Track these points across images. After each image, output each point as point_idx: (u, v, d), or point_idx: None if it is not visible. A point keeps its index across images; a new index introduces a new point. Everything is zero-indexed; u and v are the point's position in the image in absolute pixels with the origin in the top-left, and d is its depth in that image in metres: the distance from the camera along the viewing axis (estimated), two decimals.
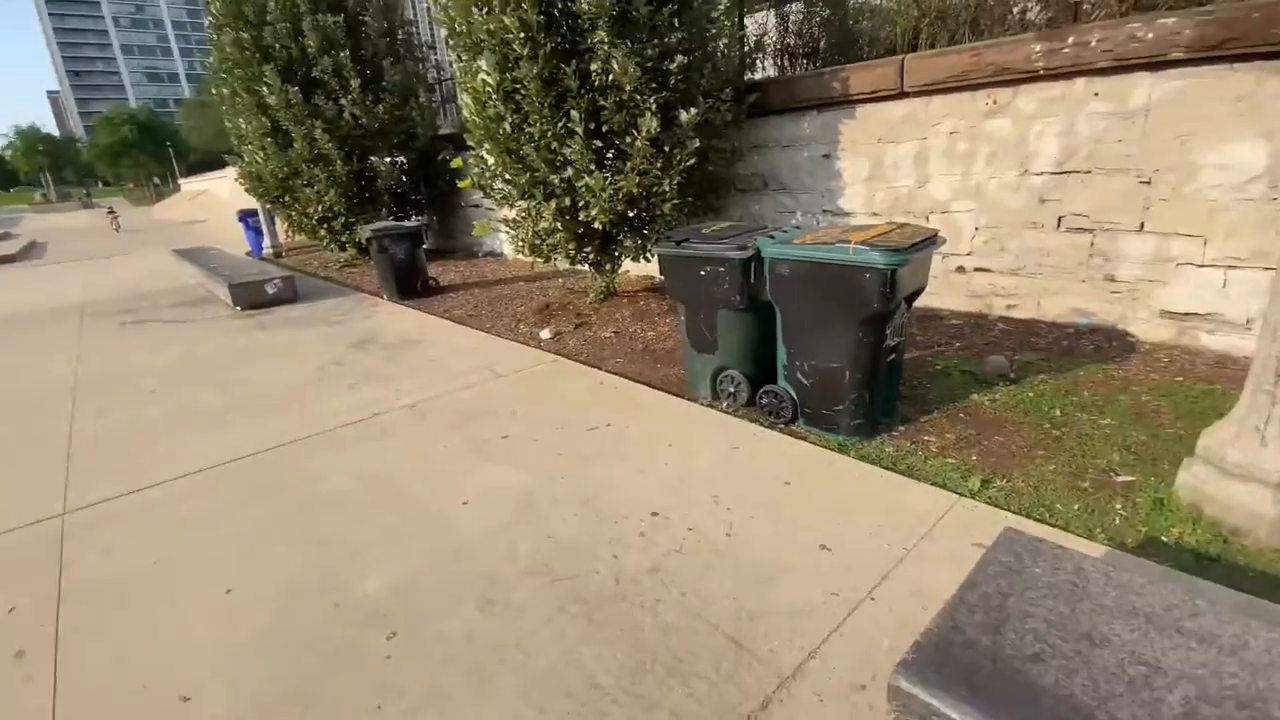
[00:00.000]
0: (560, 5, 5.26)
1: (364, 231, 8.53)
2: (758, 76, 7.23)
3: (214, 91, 11.25)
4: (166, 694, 2.12)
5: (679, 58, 5.15)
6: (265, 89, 9.79)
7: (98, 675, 2.23)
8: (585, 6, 4.96)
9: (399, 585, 2.57)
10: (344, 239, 11.28)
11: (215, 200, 32.47)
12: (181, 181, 50.12)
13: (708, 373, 4.20)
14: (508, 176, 6.20)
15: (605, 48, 5.01)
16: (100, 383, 5.62)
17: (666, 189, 5.50)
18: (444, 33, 6.04)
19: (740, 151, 6.57)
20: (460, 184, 8.67)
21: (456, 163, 8.86)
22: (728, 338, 4.03)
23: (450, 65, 10.13)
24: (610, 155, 5.68)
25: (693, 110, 5.25)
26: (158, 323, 8.11)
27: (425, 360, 5.63)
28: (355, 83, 10.01)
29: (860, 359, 3.38)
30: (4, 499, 3.56)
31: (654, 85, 5.22)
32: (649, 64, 5.11)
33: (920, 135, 5.40)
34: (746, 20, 6.92)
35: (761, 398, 3.90)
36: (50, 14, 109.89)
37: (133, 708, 2.08)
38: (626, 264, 7.03)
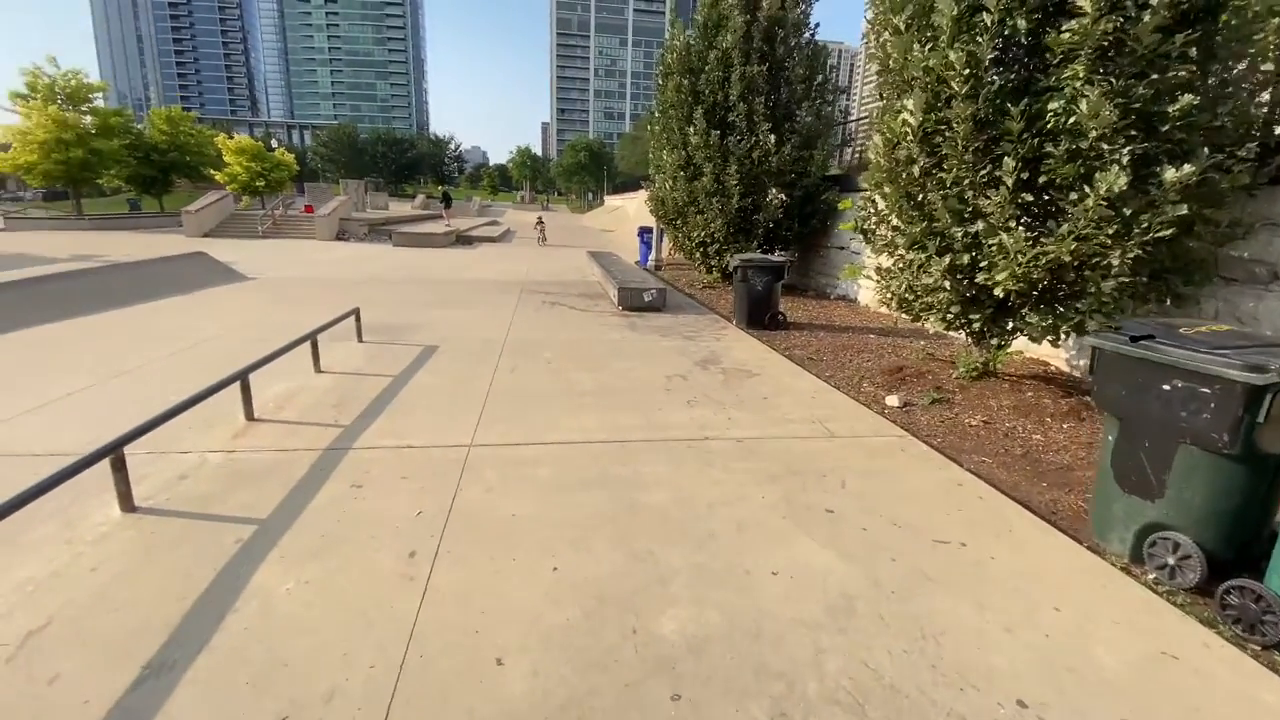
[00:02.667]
0: (1023, 38, 4.50)
1: (733, 260, 9.00)
2: None
3: (648, 128, 13.48)
4: (486, 649, 2.35)
5: (1185, 96, 3.87)
6: (691, 129, 11.22)
7: (449, 604, 2.62)
8: (1064, 37, 4.09)
9: (693, 641, 2.40)
10: (713, 263, 12.25)
11: (624, 215, 39.45)
12: (606, 198, 63.05)
13: (1134, 523, 3.01)
14: (898, 223, 5.67)
15: (1076, 84, 4.07)
16: (518, 346, 7.12)
17: (1114, 263, 4.23)
18: (872, 69, 5.83)
19: (1246, 227, 4.70)
20: (842, 225, 8.43)
21: (845, 204, 8.66)
22: (1184, 487, 2.80)
23: (855, 109, 9.98)
24: (1037, 212, 4.66)
25: (1186, 168, 3.90)
26: (564, 307, 10.02)
27: (759, 395, 5.54)
28: (766, 126, 10.70)
29: None
30: (445, 422, 4.67)
31: (1132, 132, 4.04)
32: (1134, 105, 3.96)
33: None
34: None
35: (1228, 593, 2.60)
36: (558, 65, 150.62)
37: (462, 647, 2.36)
38: (1019, 342, 5.76)
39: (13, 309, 7.56)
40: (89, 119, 27.51)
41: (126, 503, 3.23)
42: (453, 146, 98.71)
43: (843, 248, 11.10)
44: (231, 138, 32.22)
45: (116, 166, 29.37)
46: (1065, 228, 4.32)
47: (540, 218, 27.92)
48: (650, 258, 16.50)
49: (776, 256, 8.88)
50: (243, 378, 4.43)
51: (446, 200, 35.49)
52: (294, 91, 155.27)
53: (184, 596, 2.57)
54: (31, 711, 1.99)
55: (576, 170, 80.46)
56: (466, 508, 3.40)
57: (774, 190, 10.72)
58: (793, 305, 10.35)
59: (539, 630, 2.45)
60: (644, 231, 17.03)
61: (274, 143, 36.04)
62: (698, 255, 12.65)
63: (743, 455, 4.20)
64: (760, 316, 8.63)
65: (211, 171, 32.61)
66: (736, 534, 3.20)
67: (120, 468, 3.19)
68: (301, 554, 2.91)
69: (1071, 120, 4.17)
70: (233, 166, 31.08)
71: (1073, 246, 4.29)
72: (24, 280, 8.68)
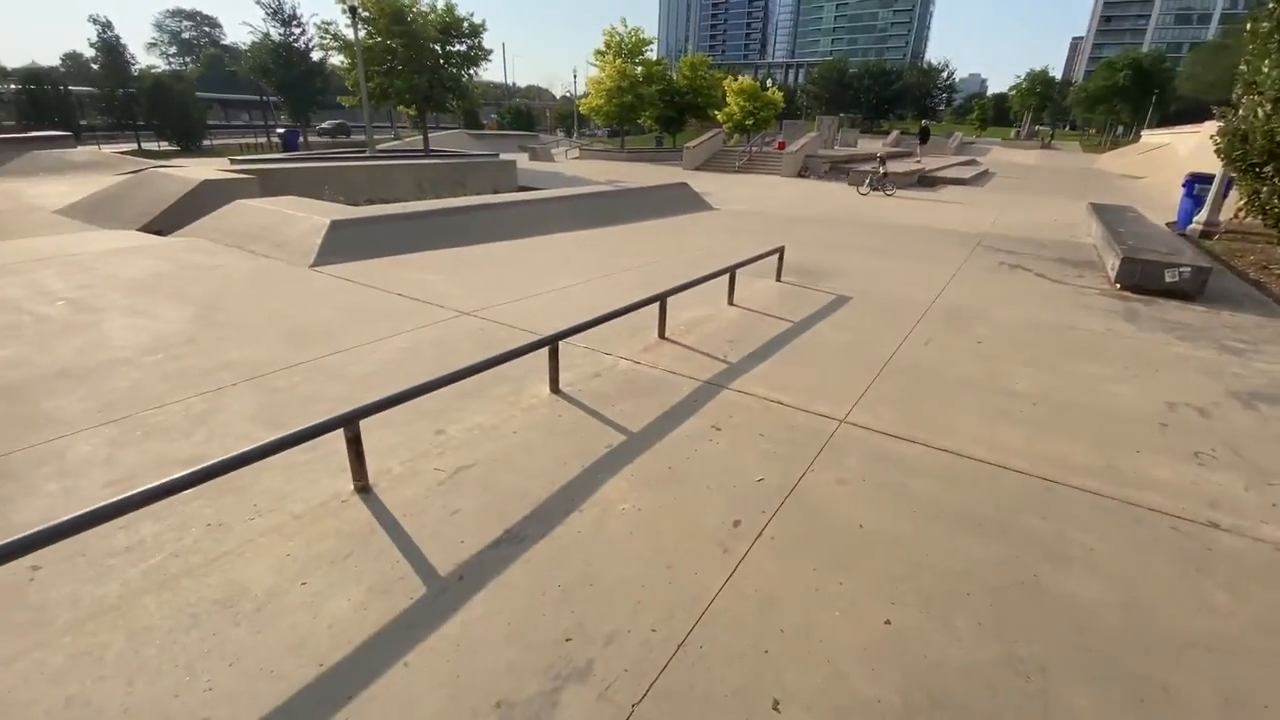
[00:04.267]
0: None
1: None
2: None
3: (1249, 28, 8.85)
4: (768, 683, 1.95)
5: None
6: None
7: (750, 602, 2.29)
8: None
9: None
10: None
11: (1168, 158, 28.82)
12: (1144, 133, 46.88)
13: None
14: None
15: None
16: (946, 314, 5.93)
17: None
18: None
19: None
20: None
21: None
22: None
23: None
24: None
25: None
26: (1028, 273, 7.91)
27: None
28: None
29: None
30: (823, 385, 4.22)
31: None
32: None
33: None
34: None
35: None
36: None
37: (744, 662, 2.02)
38: None
39: (551, 218, 10.31)
40: (640, 69, 35.01)
41: (555, 385, 3.95)
42: (944, 75, 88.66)
43: None
44: (736, 80, 36.29)
45: (650, 109, 36.89)
46: None
47: (881, 155, 19.75)
48: (1195, 219, 11.57)
49: None
50: (662, 299, 4.87)
51: (924, 135, 32.44)
52: (799, 30, 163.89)
53: (553, 481, 2.97)
54: (433, 530, 2.60)
55: (1105, 97, 61.86)
56: (810, 494, 2.95)
57: None
58: None
59: (837, 696, 1.91)
60: (1195, 181, 11.94)
61: (769, 82, 39.06)
62: None
63: (1275, 577, 2.46)
64: None
65: (714, 112, 37.70)
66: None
67: (554, 356, 3.88)
68: (646, 479, 3.01)
69: None
70: (731, 106, 35.18)
71: None
72: (562, 198, 11.73)
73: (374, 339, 4.71)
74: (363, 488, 2.84)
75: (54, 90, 35.75)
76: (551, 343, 3.81)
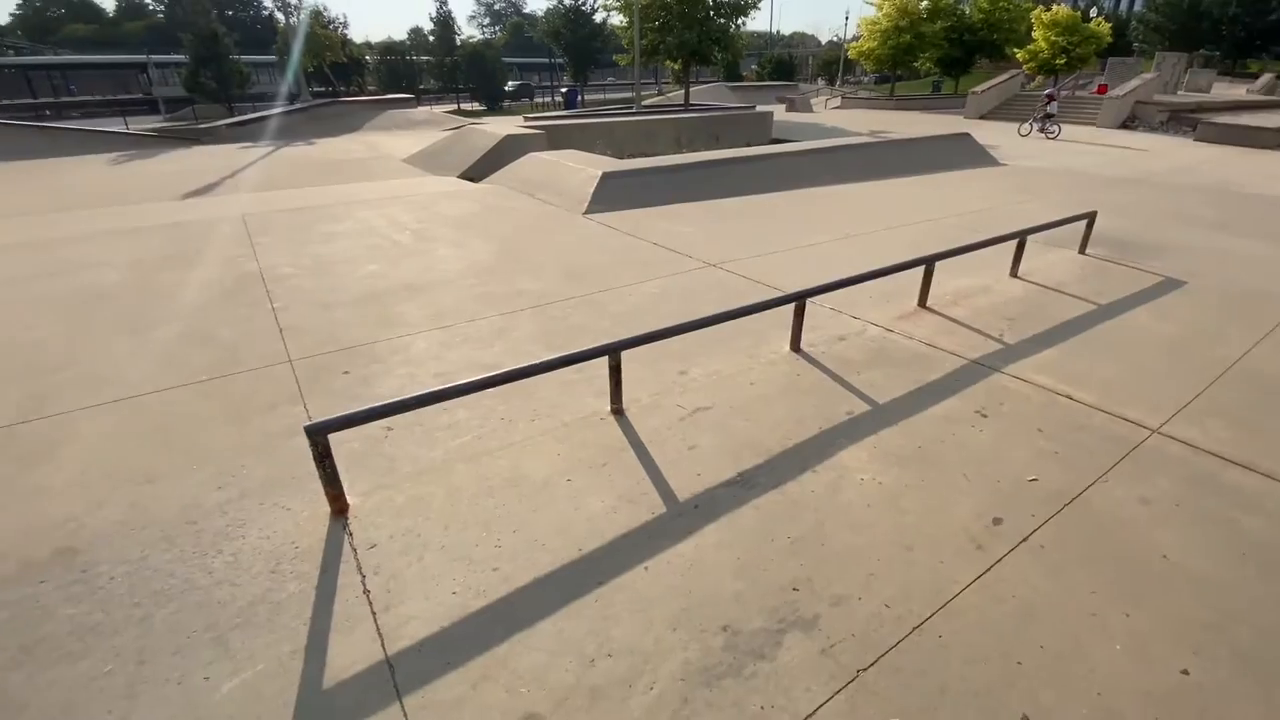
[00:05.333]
0: None
1: None
2: None
3: None
4: (1015, 698, 1.75)
5: None
6: None
7: (1004, 619, 2.05)
8: None
9: None
10: None
11: None
12: None
13: None
14: None
15: None
16: None
17: None
18: None
19: None
20: None
21: None
22: None
23: None
24: None
25: None
26: None
27: None
28: None
29: None
30: (1137, 385, 3.45)
31: None
32: None
33: None
34: None
35: None
36: None
37: (990, 697, 1.83)
38: None
39: (804, 171, 9.85)
40: (925, 3, 30.87)
41: (795, 342, 3.89)
42: None
43: None
44: (1049, 9, 29.95)
45: (932, 49, 32.49)
46: None
47: (1050, 93, 16.19)
48: None
49: None
50: (928, 264, 4.40)
51: None
52: None
53: (788, 437, 2.96)
54: (673, 459, 2.79)
55: None
56: (1099, 508, 2.49)
57: None
58: None
59: None
60: None
61: (1091, 12, 31.44)
62: None
63: None
64: None
65: (1014, 50, 31.80)
66: None
67: (799, 314, 3.80)
68: (890, 454, 2.84)
69: None
70: (1038, 42, 29.27)
71: None
72: (818, 150, 11.08)
73: (631, 282, 5.13)
74: (617, 410, 3.18)
75: (401, 60, 44.61)
76: (797, 299, 3.73)
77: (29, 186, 10.24)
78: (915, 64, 32.61)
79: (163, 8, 68.32)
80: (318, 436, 2.28)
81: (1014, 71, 25.95)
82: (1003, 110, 23.51)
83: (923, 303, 4.55)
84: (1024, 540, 2.34)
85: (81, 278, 5.27)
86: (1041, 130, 16.93)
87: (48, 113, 35.84)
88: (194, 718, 1.70)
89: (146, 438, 2.99)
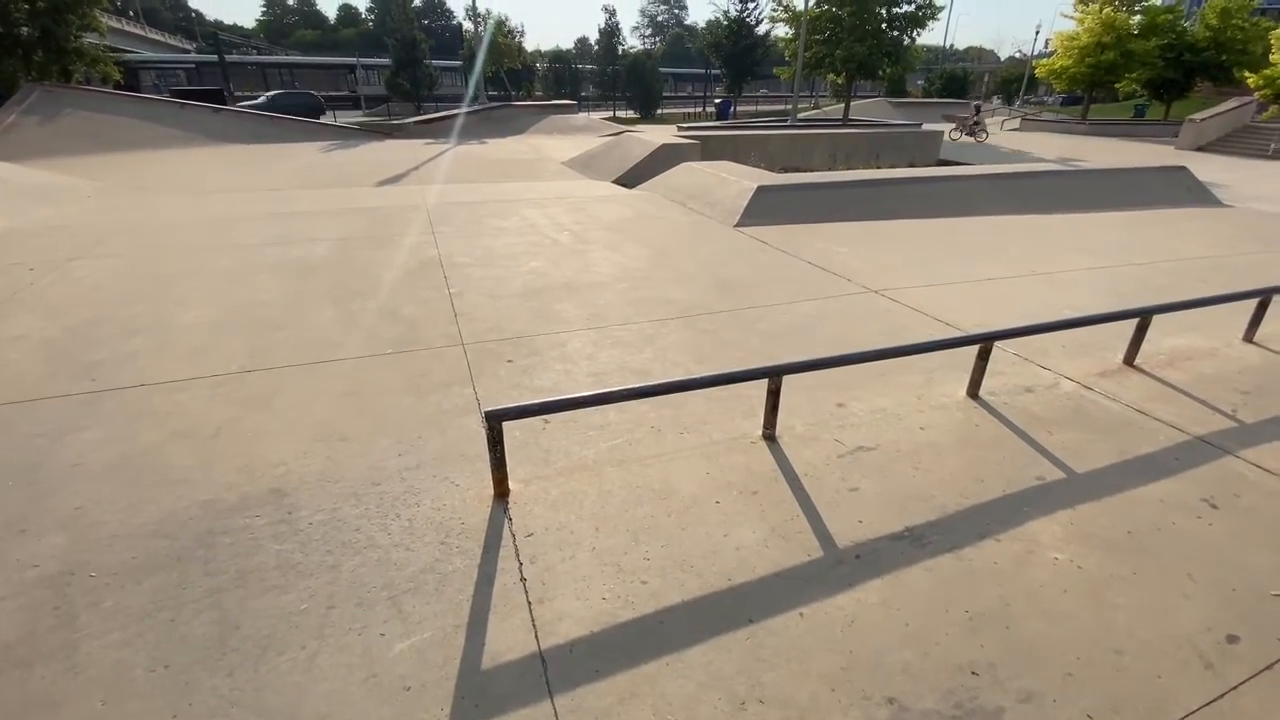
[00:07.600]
0: None
1: None
2: None
3: None
4: None
5: None
6: None
7: None
8: None
9: None
10: None
11: None
12: None
13: None
14: None
15: None
16: None
17: None
18: None
19: None
20: None
21: None
22: None
23: None
24: None
25: None
26: None
27: None
28: None
29: None
30: None
31: None
32: None
33: None
34: None
35: None
36: None
37: None
38: None
39: (976, 197, 8.99)
40: (1137, 18, 27.16)
41: (974, 388, 3.52)
42: None
43: None
44: None
45: (1141, 69, 28.52)
46: None
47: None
48: None
49: None
50: (1144, 315, 3.81)
51: None
52: None
53: (965, 496, 2.67)
54: (831, 499, 2.61)
55: None
56: None
57: None
58: None
59: None
60: None
61: None
62: None
63: None
64: None
65: (1245, 74, 27.06)
66: None
67: (984, 357, 3.44)
68: (1092, 535, 2.45)
69: None
70: (1277, 66, 24.65)
71: None
72: (993, 175, 10.07)
73: (783, 301, 4.96)
74: (769, 435, 3.05)
75: (567, 68, 47.35)
76: (984, 341, 3.37)
77: (277, 167, 12.10)
78: (1116, 85, 28.86)
79: (373, 17, 78.06)
80: (495, 423, 2.40)
81: (1245, 100, 22.10)
82: (1227, 143, 20.15)
83: (1130, 360, 3.95)
84: (1268, 668, 1.91)
85: (302, 249, 6.09)
86: (971, 135, 19.12)
87: None
88: (370, 670, 1.84)
89: (342, 399, 3.34)
